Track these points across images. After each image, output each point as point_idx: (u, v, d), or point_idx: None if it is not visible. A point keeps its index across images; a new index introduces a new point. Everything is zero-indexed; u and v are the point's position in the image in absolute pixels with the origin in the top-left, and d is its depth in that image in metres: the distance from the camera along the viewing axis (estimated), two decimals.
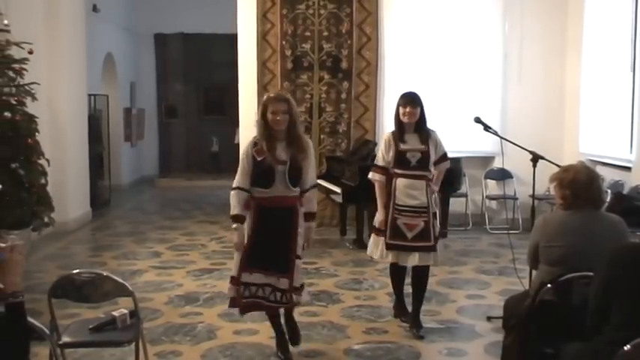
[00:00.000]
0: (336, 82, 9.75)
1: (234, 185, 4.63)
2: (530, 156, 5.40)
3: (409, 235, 5.29)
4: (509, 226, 9.07)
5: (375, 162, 5.52)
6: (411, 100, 5.34)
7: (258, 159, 4.54)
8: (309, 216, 4.72)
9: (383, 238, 5.37)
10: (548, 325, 3.71)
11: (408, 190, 5.30)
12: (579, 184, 3.86)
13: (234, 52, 9.90)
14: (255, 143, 4.62)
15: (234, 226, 4.60)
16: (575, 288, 3.69)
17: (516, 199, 9.64)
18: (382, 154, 5.41)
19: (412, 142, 5.33)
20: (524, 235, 7.52)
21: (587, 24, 9.19)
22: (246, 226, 4.63)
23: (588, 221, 3.87)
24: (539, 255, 4.00)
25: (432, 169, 5.40)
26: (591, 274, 3.45)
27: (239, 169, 4.64)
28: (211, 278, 7.13)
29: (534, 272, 4.32)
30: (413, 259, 5.34)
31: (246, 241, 4.61)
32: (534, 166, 5.40)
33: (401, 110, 5.33)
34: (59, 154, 8.95)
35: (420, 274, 5.50)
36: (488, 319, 5.66)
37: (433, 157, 5.38)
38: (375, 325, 5.60)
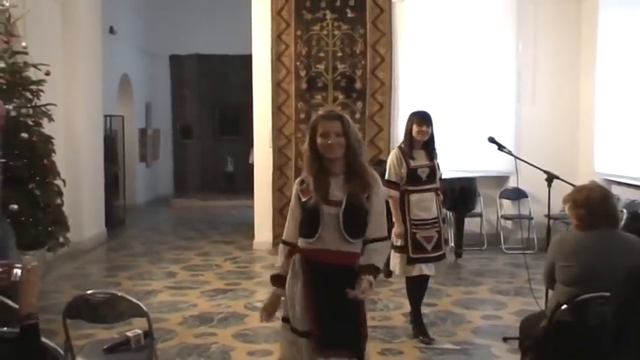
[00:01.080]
0: (351, 102, 9.77)
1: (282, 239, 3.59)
2: (545, 175, 5.40)
3: (428, 247, 5.57)
4: (524, 246, 9.01)
5: (387, 177, 5.63)
6: (425, 118, 5.59)
7: (303, 199, 3.41)
8: (370, 269, 3.34)
9: (404, 254, 5.58)
10: (564, 346, 3.67)
11: (421, 204, 5.58)
12: (594, 204, 3.85)
13: (249, 73, 9.96)
14: (302, 180, 3.48)
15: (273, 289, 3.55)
16: (591, 308, 3.66)
17: (531, 218, 9.58)
18: (395, 169, 5.62)
19: (421, 159, 5.61)
20: (539, 255, 7.48)
21: (601, 43, 9.17)
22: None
23: (605, 240, 3.84)
24: (555, 274, 3.98)
25: (438, 181, 5.75)
26: (608, 294, 3.43)
27: (288, 215, 3.57)
28: (226, 298, 7.12)
29: (550, 292, 4.29)
30: (430, 269, 5.64)
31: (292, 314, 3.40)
32: (549, 185, 5.39)
33: (415, 128, 5.56)
34: (75, 175, 9.02)
35: (423, 284, 5.84)
36: (505, 339, 5.61)
37: (438, 171, 5.74)
38: (390, 346, 5.56)
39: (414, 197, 5.55)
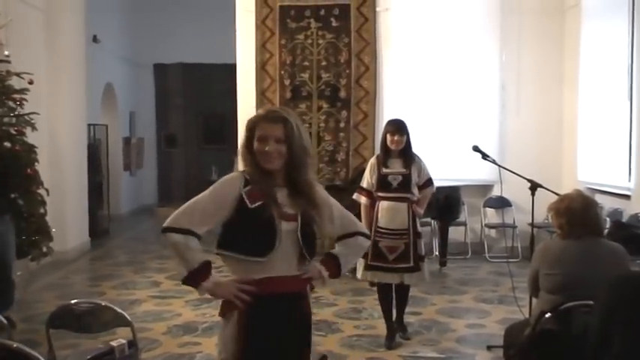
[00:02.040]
0: (335, 111, 9.80)
1: (166, 225, 2.95)
2: (529, 184, 5.43)
3: (390, 257, 5.55)
4: (508, 255, 9.05)
5: (361, 184, 5.78)
6: (399, 128, 5.61)
7: (251, 205, 2.72)
8: (326, 260, 2.95)
9: (364, 259, 5.61)
10: (549, 355, 3.69)
11: (390, 213, 5.58)
12: (575, 212, 3.87)
13: (234, 82, 9.96)
14: (246, 180, 2.83)
15: (203, 286, 2.93)
16: (575, 316, 3.68)
17: (515, 227, 9.62)
18: (367, 176, 5.71)
19: (395, 166, 5.62)
20: (523, 264, 7.52)
21: (584, 53, 9.24)
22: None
23: (588, 249, 3.87)
24: (539, 283, 4.00)
25: (415, 191, 5.65)
26: (591, 302, 3.44)
27: (191, 203, 3.02)
28: (210, 307, 7.08)
29: (534, 301, 4.31)
30: (393, 278, 5.64)
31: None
32: (533, 194, 5.42)
33: (389, 138, 5.61)
34: (58, 184, 8.95)
35: (401, 292, 5.84)
36: (489, 348, 5.63)
37: (415, 180, 5.64)
38: (375, 355, 5.56)
39: (383, 204, 5.60)
